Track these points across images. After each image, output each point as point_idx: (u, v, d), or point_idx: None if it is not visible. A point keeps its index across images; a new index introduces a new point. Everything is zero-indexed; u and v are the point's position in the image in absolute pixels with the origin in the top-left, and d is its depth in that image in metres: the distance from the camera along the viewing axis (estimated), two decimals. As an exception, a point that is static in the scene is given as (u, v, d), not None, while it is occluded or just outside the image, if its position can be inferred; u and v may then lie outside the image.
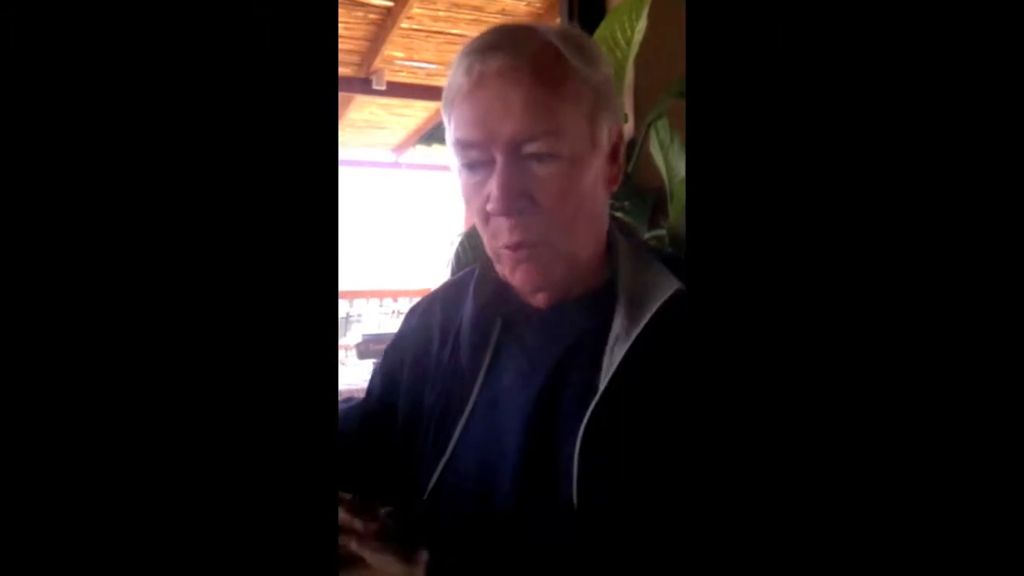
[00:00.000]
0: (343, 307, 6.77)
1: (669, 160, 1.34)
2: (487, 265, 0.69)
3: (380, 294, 9.03)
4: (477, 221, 0.62)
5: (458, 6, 3.43)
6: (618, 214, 1.16)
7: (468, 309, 0.68)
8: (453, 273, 1.17)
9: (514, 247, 0.60)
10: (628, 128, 1.43)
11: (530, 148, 0.58)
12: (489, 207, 0.59)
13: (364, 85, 4.40)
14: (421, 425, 0.67)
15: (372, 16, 3.59)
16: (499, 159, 0.58)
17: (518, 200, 0.58)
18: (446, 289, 0.76)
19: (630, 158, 1.38)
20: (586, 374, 0.60)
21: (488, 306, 0.68)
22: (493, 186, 0.58)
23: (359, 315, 6.91)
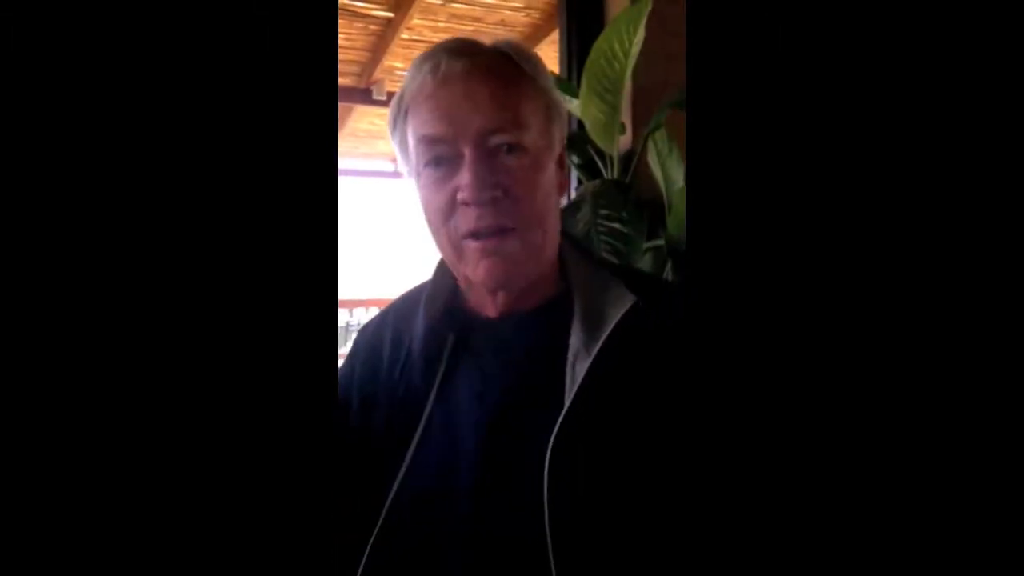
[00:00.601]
0: (342, 316, 6.77)
1: (667, 170, 1.34)
2: (439, 278, 0.70)
3: (380, 303, 9.03)
4: (437, 218, 0.63)
5: (458, 17, 3.45)
6: (615, 224, 1.16)
7: (419, 324, 0.68)
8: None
9: (484, 233, 0.60)
10: (626, 139, 1.43)
11: (497, 140, 0.60)
12: (460, 196, 0.60)
13: (365, 95, 4.43)
14: (372, 444, 0.66)
15: (373, 27, 3.61)
16: (469, 151, 0.59)
17: (491, 188, 0.59)
18: (398, 304, 0.76)
19: (628, 169, 1.38)
20: (544, 391, 0.60)
21: (439, 320, 0.67)
22: (464, 177, 0.59)
23: (359, 324, 6.91)
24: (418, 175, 0.64)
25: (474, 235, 0.61)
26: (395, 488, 0.61)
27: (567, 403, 0.58)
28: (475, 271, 0.62)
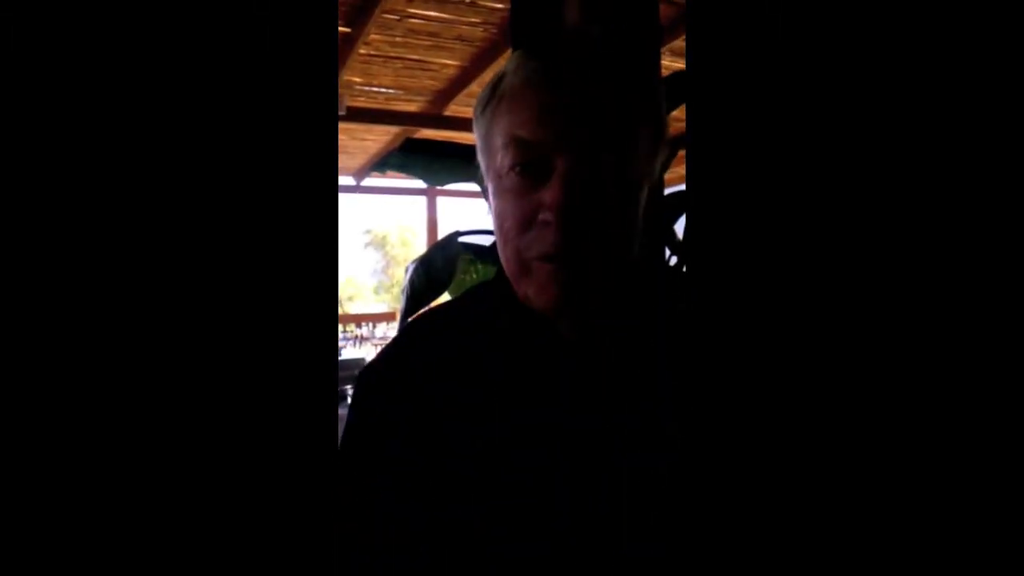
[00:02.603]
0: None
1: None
2: (500, 291, 0.63)
3: (343, 319, 8.93)
4: (511, 229, 0.57)
5: (415, 32, 3.46)
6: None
7: (481, 341, 0.62)
8: (408, 299, 1.16)
9: (560, 260, 0.54)
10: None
11: (600, 158, 0.54)
12: (543, 215, 0.54)
13: (323, 110, 4.39)
14: (443, 472, 0.59)
15: (330, 42, 3.59)
16: (563, 165, 0.53)
17: (580, 213, 0.53)
18: (436, 323, 0.68)
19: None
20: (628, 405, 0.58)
21: (506, 336, 0.61)
22: (553, 193, 0.53)
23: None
24: (499, 177, 0.57)
25: (548, 258, 0.54)
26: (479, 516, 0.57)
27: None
28: (539, 295, 0.56)
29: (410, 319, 0.72)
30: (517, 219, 0.56)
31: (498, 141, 0.57)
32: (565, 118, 0.53)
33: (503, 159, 0.56)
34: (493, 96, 0.59)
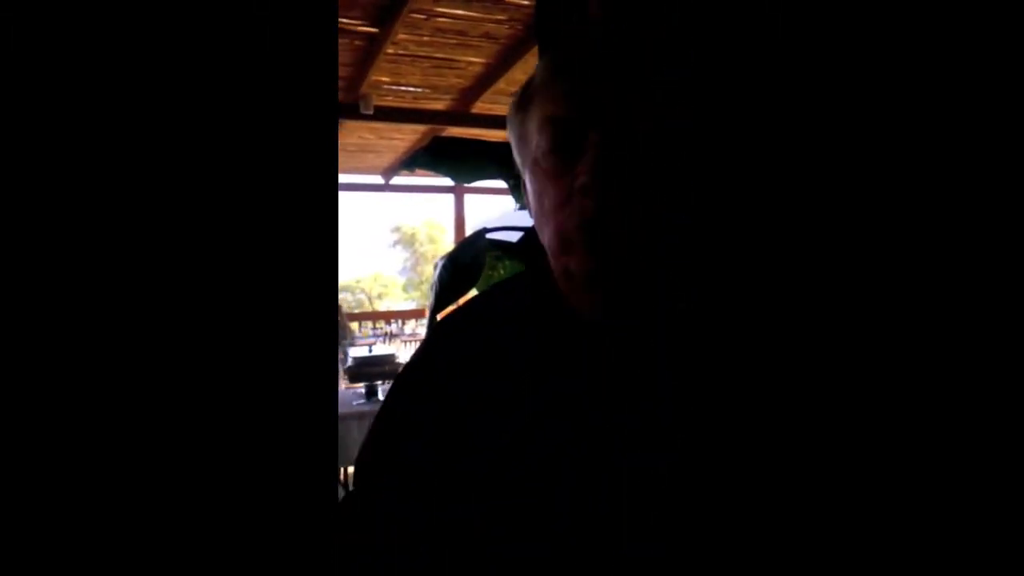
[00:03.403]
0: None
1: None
2: (531, 284, 0.65)
3: (373, 316, 9.01)
4: (553, 205, 0.58)
5: (442, 31, 3.47)
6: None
7: (511, 334, 0.63)
8: (437, 295, 1.18)
9: (596, 223, 0.56)
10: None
11: (628, 125, 0.56)
12: (581, 182, 0.55)
13: (351, 110, 4.44)
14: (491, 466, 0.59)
15: (358, 42, 3.63)
16: (596, 133, 0.55)
17: (613, 174, 0.55)
18: (465, 320, 0.69)
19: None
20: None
21: (543, 322, 0.62)
22: (589, 159, 0.55)
23: (352, 337, 6.89)
24: (536, 163, 0.60)
25: (588, 225, 0.56)
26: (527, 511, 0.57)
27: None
28: (581, 265, 0.58)
29: (439, 317, 0.73)
30: (558, 195, 0.58)
31: (532, 128, 0.59)
32: (594, 93, 0.56)
33: (539, 143, 0.59)
34: (526, 94, 0.61)
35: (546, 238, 0.61)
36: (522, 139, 0.62)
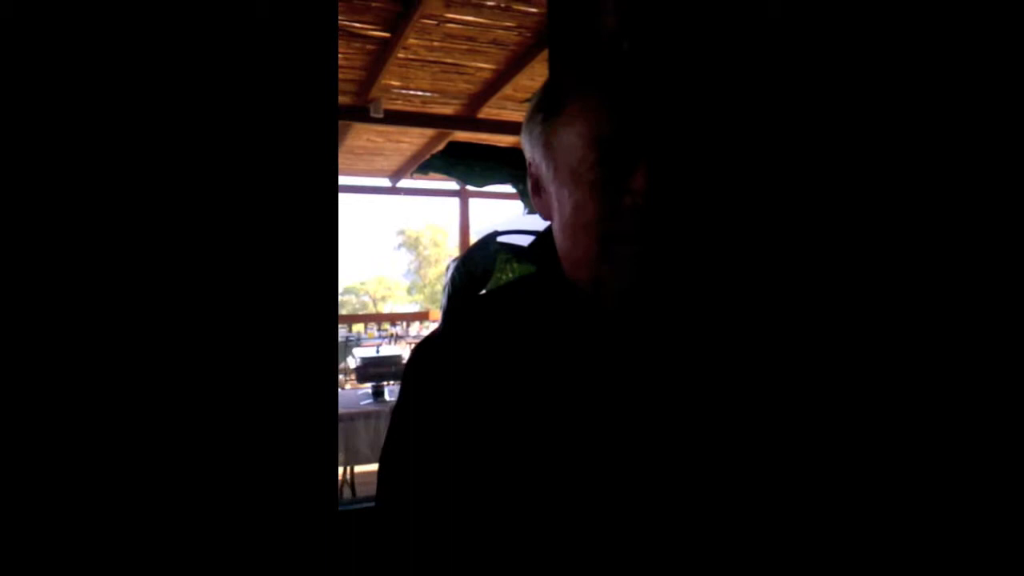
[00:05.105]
0: (342, 331, 6.76)
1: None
2: (548, 282, 0.66)
3: (378, 318, 9.03)
4: (596, 216, 0.59)
5: (452, 36, 3.51)
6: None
7: (529, 329, 0.64)
8: (449, 296, 1.20)
9: (641, 240, 0.57)
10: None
11: (679, 147, 0.57)
12: (630, 200, 0.57)
13: (362, 114, 4.48)
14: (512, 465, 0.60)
15: (369, 47, 3.67)
16: (651, 153, 0.57)
17: (663, 195, 0.56)
18: (484, 312, 0.70)
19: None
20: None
21: (555, 319, 0.64)
22: (641, 178, 0.56)
23: (358, 338, 6.91)
24: (575, 173, 0.60)
25: (632, 240, 0.58)
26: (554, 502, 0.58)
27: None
28: (617, 277, 0.59)
29: (460, 307, 0.75)
30: (601, 207, 0.58)
31: (574, 141, 0.60)
32: (641, 112, 0.57)
33: (585, 156, 0.59)
34: (554, 101, 0.61)
35: (582, 245, 0.61)
36: (554, 147, 0.62)
